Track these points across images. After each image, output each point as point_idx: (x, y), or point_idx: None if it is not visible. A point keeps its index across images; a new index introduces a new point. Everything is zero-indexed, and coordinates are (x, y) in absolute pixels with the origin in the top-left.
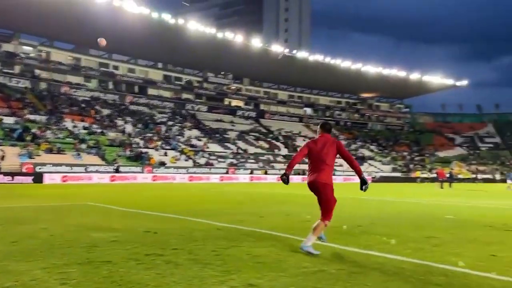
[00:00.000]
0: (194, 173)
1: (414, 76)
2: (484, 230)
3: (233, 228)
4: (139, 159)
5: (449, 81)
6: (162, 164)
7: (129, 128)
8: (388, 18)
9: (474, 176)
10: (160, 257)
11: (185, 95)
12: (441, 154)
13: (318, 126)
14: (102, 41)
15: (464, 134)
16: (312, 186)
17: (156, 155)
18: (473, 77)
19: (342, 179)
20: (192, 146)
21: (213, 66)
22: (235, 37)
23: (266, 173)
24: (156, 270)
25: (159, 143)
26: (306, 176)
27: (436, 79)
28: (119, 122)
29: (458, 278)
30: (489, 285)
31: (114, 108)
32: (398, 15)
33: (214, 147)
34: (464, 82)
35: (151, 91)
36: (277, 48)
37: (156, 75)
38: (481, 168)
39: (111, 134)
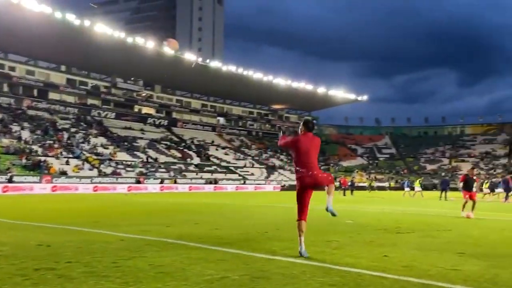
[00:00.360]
0: (99, 183)
1: (321, 90)
2: (379, 233)
3: (138, 239)
4: (36, 168)
5: (352, 96)
6: (64, 173)
7: (26, 134)
8: (297, 34)
9: (372, 184)
10: (52, 271)
11: (91, 101)
12: (345, 163)
13: (301, 124)
14: (171, 43)
15: (364, 145)
16: (314, 180)
17: (56, 164)
18: (372, 93)
19: (254, 188)
20: (97, 154)
21: (123, 71)
22: (147, 42)
23: (175, 182)
24: (45, 286)
25: (60, 151)
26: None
27: (340, 93)
28: (15, 127)
29: (353, 278)
30: (380, 283)
31: (9, 113)
32: (306, 31)
33: (122, 156)
34: (365, 97)
35: (52, 95)
36: (190, 57)
37: (58, 78)
38: (379, 176)
39: (5, 141)
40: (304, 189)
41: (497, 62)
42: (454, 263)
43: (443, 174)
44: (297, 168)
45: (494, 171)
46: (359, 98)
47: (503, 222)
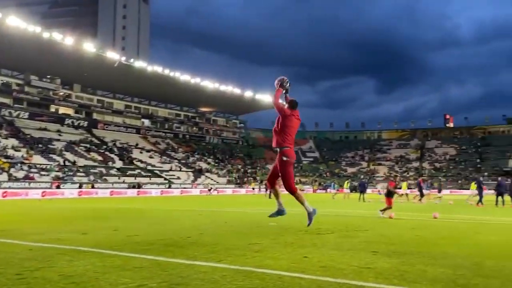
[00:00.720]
0: (9, 188)
1: (248, 94)
2: (300, 234)
3: (48, 247)
4: None
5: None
6: None
7: None
8: (225, 37)
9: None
10: None
11: (0, 99)
12: (271, 167)
13: (288, 104)
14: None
15: None
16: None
17: None
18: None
19: (180, 192)
20: (7, 157)
21: (38, 69)
22: (65, 39)
23: (93, 187)
24: None
25: None
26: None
27: (266, 97)
28: None
29: (272, 280)
30: (298, 284)
31: None
32: (234, 35)
33: (36, 159)
34: None
35: None
36: (113, 55)
37: None
38: (303, 179)
39: None
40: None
41: (411, 72)
42: (368, 261)
43: (362, 177)
44: (289, 144)
45: (407, 173)
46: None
47: (414, 221)
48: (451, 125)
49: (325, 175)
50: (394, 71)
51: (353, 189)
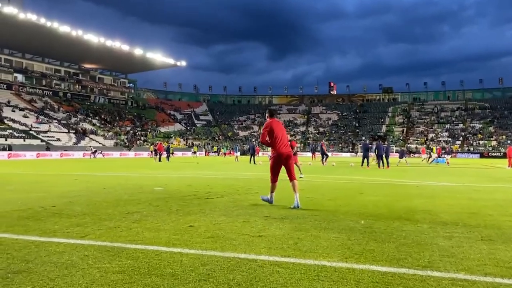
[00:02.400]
0: None
1: (138, 51)
2: (188, 200)
3: None
4: None
5: (170, 60)
6: None
7: None
8: None
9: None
10: None
11: None
12: (163, 129)
13: (267, 113)
14: None
15: (183, 111)
16: (286, 156)
17: None
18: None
19: (59, 155)
20: None
21: None
22: None
23: None
24: None
25: None
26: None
27: (158, 57)
28: None
29: (147, 259)
30: (179, 261)
31: None
32: None
33: None
34: (183, 63)
35: None
36: None
37: None
38: (196, 142)
39: None
40: (280, 159)
41: (300, 41)
42: (260, 228)
43: (253, 140)
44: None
45: (295, 137)
46: (178, 63)
47: (301, 183)
48: (334, 92)
49: (217, 138)
50: (285, 39)
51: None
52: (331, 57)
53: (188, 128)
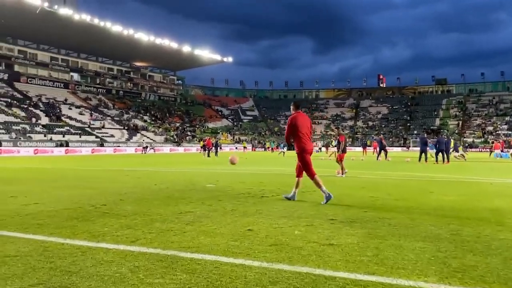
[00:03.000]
0: None
1: (186, 49)
2: (242, 198)
3: None
4: None
5: (217, 57)
6: None
7: None
8: None
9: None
10: None
11: None
12: (210, 125)
13: (293, 106)
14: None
15: (230, 107)
16: (310, 152)
17: None
18: (236, 56)
19: (113, 150)
20: None
21: None
22: None
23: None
24: None
25: None
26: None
27: (205, 53)
28: None
29: (205, 272)
30: (243, 278)
31: None
32: None
33: None
34: (230, 59)
35: None
36: (35, 1)
37: None
38: (242, 137)
39: None
40: (307, 154)
41: (346, 33)
42: (328, 234)
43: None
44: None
45: (343, 131)
46: (225, 59)
47: (361, 180)
48: (384, 85)
49: (264, 134)
50: (331, 32)
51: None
52: (379, 49)
53: (235, 123)
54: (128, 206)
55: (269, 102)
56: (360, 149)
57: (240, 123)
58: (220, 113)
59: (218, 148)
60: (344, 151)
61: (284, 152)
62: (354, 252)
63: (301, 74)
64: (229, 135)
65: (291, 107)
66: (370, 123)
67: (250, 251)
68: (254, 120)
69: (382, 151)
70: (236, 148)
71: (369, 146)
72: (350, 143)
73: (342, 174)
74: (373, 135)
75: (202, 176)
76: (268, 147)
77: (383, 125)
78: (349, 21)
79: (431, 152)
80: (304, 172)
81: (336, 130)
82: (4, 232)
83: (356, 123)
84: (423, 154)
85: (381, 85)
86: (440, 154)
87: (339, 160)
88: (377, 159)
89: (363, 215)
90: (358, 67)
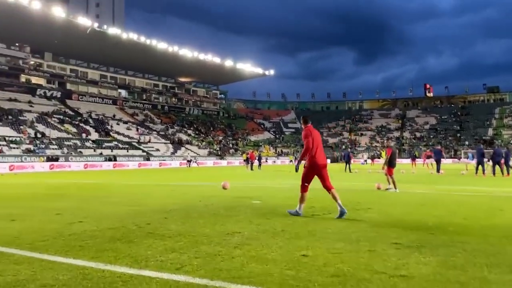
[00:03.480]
0: None
1: (228, 63)
2: (291, 216)
3: None
4: None
5: (259, 70)
6: None
7: None
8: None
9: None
10: None
11: None
12: (253, 138)
13: (302, 120)
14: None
15: (271, 120)
16: (323, 166)
17: None
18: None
19: (158, 164)
20: None
21: (5, 36)
22: (32, 2)
23: (56, 160)
24: None
25: None
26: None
27: (247, 67)
28: None
29: None
30: None
31: None
32: (212, 4)
33: (5, 131)
34: (272, 72)
35: None
36: (85, 21)
37: None
38: (285, 150)
39: None
40: (314, 169)
41: (389, 42)
42: (397, 262)
43: (343, 147)
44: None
45: (391, 143)
46: (267, 73)
47: (416, 196)
48: (431, 94)
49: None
50: (373, 42)
51: (333, 160)
52: (424, 58)
53: (277, 136)
54: (173, 225)
55: (312, 114)
56: (408, 161)
57: (282, 135)
58: (262, 126)
59: (261, 161)
60: (391, 165)
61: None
62: (432, 287)
63: (343, 85)
64: (271, 147)
65: (301, 121)
66: (418, 134)
67: (309, 284)
68: (297, 133)
69: (435, 162)
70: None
71: (419, 157)
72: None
73: (395, 188)
74: (420, 146)
75: (247, 191)
76: None
77: (431, 136)
78: (392, 30)
79: (489, 164)
80: (329, 183)
81: (386, 142)
82: (45, 255)
83: (402, 134)
84: (479, 165)
85: (428, 94)
86: (498, 166)
87: (388, 174)
88: (438, 171)
89: (432, 239)
90: (403, 77)
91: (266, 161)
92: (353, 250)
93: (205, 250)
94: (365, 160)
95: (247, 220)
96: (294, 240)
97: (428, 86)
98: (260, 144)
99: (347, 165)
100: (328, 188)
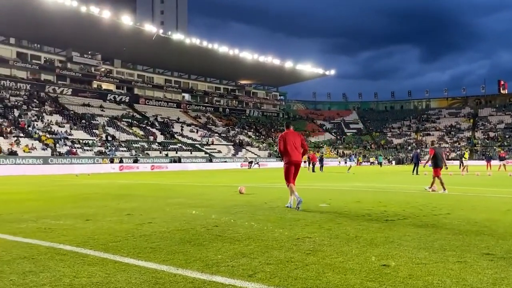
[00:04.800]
0: (51, 163)
1: (288, 64)
2: (364, 222)
3: (20, 244)
4: None
5: (319, 70)
6: (13, 153)
7: None
8: (263, 9)
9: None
10: None
11: (44, 76)
12: (313, 139)
13: (285, 125)
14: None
15: (332, 121)
16: (295, 163)
17: (5, 144)
18: (338, 69)
19: (220, 166)
20: (52, 133)
21: (79, 45)
22: (102, 12)
23: (136, 161)
24: None
25: (10, 129)
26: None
27: (307, 68)
28: None
29: None
30: None
31: None
32: (272, 7)
33: (79, 134)
34: (332, 72)
35: (1, 71)
36: (151, 28)
37: (7, 52)
38: (346, 151)
39: None
40: (290, 166)
41: (457, 38)
42: (492, 276)
43: (409, 148)
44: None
45: (459, 144)
46: (327, 73)
47: (495, 200)
48: (505, 91)
49: (369, 147)
50: (439, 39)
51: (398, 161)
52: (496, 53)
53: (338, 137)
54: (241, 228)
55: (374, 114)
56: (483, 163)
57: (344, 136)
58: (322, 127)
59: (323, 162)
60: (436, 165)
61: (350, 167)
62: None
63: (407, 84)
64: (332, 149)
65: (284, 126)
66: (491, 134)
67: None
68: (359, 133)
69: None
70: (339, 162)
71: (495, 159)
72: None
73: (444, 190)
74: (495, 147)
75: (312, 194)
76: (373, 162)
77: (506, 136)
78: (459, 25)
79: None
80: (294, 179)
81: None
82: (117, 257)
83: (474, 134)
84: None
85: (502, 91)
86: None
87: (434, 175)
88: None
89: None
90: (472, 74)
91: (345, 163)
92: (439, 260)
93: (276, 256)
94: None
95: (317, 224)
96: (370, 247)
97: (502, 82)
98: (321, 145)
99: (416, 167)
100: (292, 182)
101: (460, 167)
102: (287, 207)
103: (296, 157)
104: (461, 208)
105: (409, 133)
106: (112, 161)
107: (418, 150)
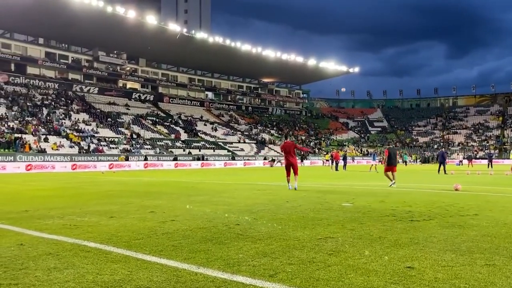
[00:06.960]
0: (78, 160)
1: (311, 62)
2: (388, 222)
3: (47, 241)
4: (11, 145)
5: (343, 68)
6: (42, 151)
7: (1, 110)
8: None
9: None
10: None
11: (72, 75)
12: (336, 137)
13: (284, 137)
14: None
15: (356, 119)
16: (290, 164)
17: (34, 141)
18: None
19: (243, 164)
20: (79, 131)
21: (105, 44)
22: (128, 12)
23: (146, 159)
24: None
25: (39, 127)
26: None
27: (331, 65)
28: None
29: None
30: None
31: None
32: (294, 5)
33: (105, 132)
34: (356, 69)
35: (31, 70)
36: (175, 27)
37: (36, 52)
38: (370, 150)
39: None
40: (287, 166)
41: (484, 34)
42: (509, 280)
43: (435, 146)
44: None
45: (487, 142)
46: (351, 70)
47: None
48: None
49: (394, 145)
50: (466, 34)
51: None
52: None
53: (362, 135)
54: (262, 227)
55: (399, 112)
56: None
57: (368, 135)
58: (346, 125)
59: (346, 161)
60: (389, 163)
61: (374, 166)
62: None
63: (433, 81)
64: (355, 147)
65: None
66: None
67: None
68: (383, 132)
69: None
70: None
71: None
72: (497, 154)
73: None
74: None
75: (335, 193)
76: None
77: None
78: (487, 21)
79: None
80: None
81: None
82: (139, 255)
83: (503, 132)
84: None
85: None
86: None
87: (385, 171)
88: None
89: None
90: (501, 70)
91: (353, 161)
92: (466, 263)
93: (298, 256)
94: (461, 161)
95: (339, 224)
96: (395, 249)
97: None
98: (344, 143)
99: (441, 166)
100: (295, 174)
101: (488, 167)
102: (289, 189)
103: (290, 161)
104: (489, 209)
105: (435, 131)
106: (127, 159)
107: (444, 149)
